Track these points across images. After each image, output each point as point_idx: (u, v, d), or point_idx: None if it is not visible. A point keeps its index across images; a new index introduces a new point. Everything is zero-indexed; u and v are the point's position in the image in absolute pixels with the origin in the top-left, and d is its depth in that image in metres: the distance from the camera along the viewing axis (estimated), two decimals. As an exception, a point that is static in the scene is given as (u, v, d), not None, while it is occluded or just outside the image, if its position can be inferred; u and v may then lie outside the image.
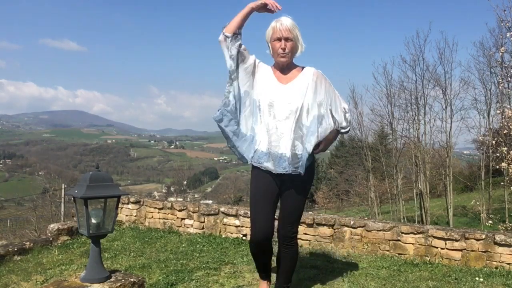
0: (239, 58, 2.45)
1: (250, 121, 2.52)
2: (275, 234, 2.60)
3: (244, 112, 2.52)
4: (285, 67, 2.52)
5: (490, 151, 11.26)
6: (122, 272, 2.38)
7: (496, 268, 3.57)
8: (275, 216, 2.57)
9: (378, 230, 4.07)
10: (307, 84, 2.47)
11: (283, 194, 2.54)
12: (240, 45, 2.44)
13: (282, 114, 2.42)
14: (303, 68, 2.56)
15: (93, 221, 2.14)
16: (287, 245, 2.58)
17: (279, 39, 2.42)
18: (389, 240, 4.02)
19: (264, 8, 2.45)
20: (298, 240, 2.82)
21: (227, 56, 2.45)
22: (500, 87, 11.00)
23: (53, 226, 4.70)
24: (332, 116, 2.52)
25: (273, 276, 2.83)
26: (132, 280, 2.22)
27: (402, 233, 3.98)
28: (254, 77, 2.51)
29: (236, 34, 2.42)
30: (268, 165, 2.44)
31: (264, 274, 2.77)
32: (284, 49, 2.43)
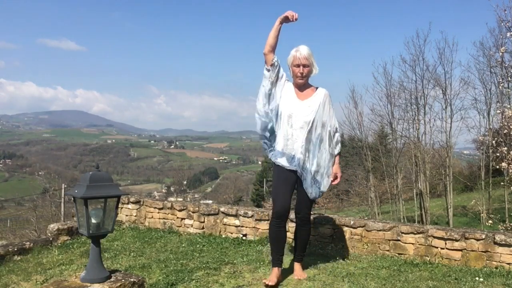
0: (278, 79, 3.13)
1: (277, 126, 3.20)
2: (293, 217, 3.34)
3: (275, 118, 3.16)
4: (301, 86, 3.17)
5: (490, 151, 11.24)
6: (122, 272, 2.38)
7: (496, 268, 3.57)
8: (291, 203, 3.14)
9: (378, 230, 4.07)
10: (319, 103, 3.13)
11: (298, 188, 3.18)
12: (279, 71, 3.11)
13: (298, 124, 3.07)
14: (316, 88, 3.21)
15: (93, 221, 2.14)
16: (303, 223, 3.27)
17: (298, 65, 3.07)
18: (389, 240, 4.02)
19: (286, 19, 3.00)
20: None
21: (268, 81, 3.09)
22: (500, 87, 10.99)
23: (53, 226, 4.71)
24: (330, 138, 3.17)
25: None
26: (132, 280, 2.22)
27: (402, 233, 3.98)
28: (282, 92, 3.14)
29: (273, 63, 3.07)
30: (282, 161, 3.09)
31: (278, 259, 3.11)
32: (302, 73, 3.09)
